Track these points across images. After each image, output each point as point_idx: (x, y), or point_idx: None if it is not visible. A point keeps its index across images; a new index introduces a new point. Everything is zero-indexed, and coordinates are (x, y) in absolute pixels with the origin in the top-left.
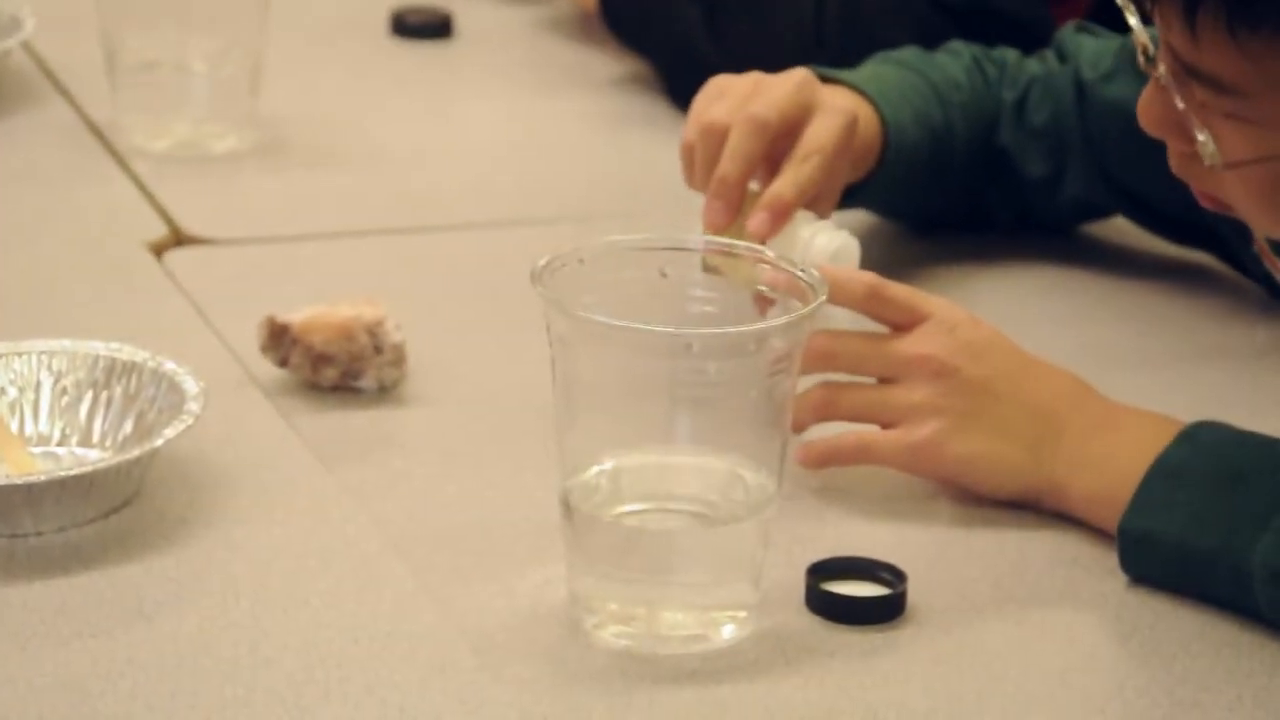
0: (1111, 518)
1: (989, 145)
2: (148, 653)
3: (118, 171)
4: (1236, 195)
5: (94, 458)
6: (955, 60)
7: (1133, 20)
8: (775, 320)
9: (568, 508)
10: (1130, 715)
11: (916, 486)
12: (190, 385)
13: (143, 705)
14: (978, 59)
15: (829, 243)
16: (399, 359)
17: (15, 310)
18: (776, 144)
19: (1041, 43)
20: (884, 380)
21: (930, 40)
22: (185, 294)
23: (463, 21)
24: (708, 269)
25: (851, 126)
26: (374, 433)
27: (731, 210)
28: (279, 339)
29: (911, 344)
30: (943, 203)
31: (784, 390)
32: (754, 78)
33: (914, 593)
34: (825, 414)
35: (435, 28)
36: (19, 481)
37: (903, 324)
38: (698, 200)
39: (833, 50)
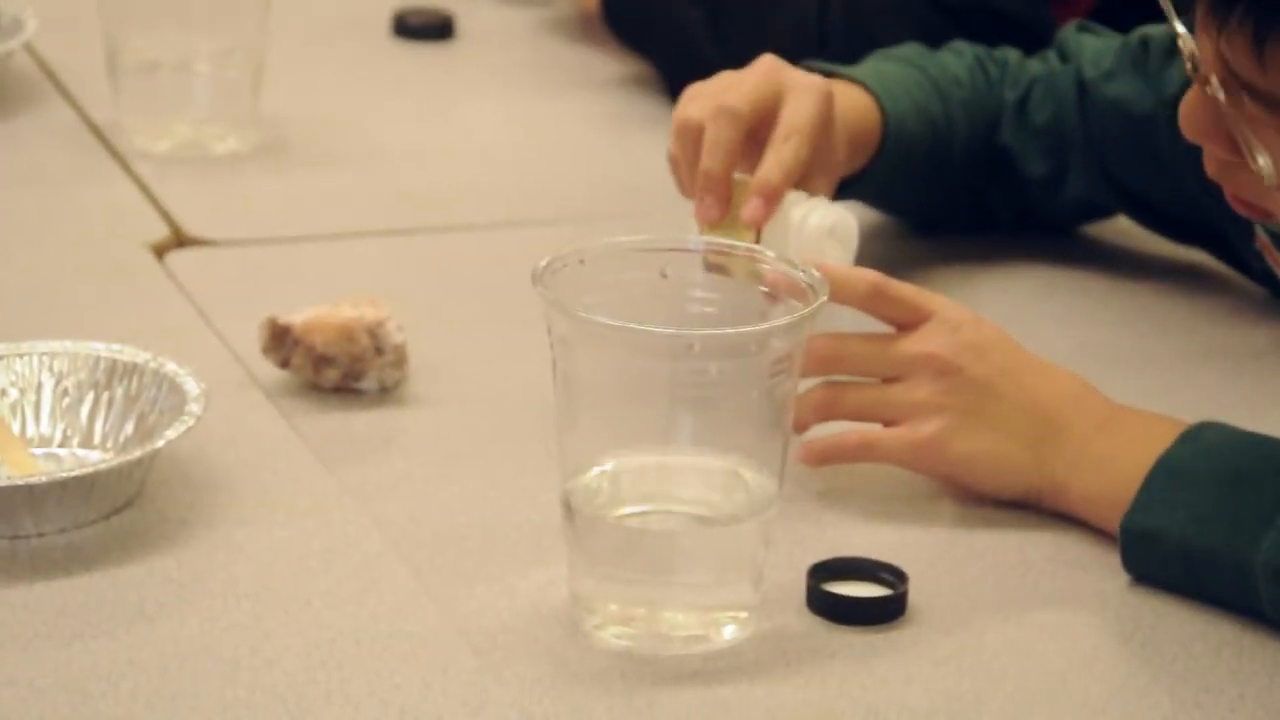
0: (1113, 518)
1: (990, 144)
2: (149, 654)
3: (119, 173)
4: None
5: (95, 459)
6: (957, 59)
7: (1179, 27)
8: (776, 321)
9: (569, 508)
10: (1131, 715)
11: (918, 487)
12: (191, 386)
13: (144, 706)
14: (980, 58)
15: (823, 219)
16: (400, 360)
17: (16, 311)
18: (755, 133)
19: (1043, 43)
20: (887, 380)
21: (932, 41)
22: (187, 295)
23: (464, 23)
24: (710, 266)
25: (826, 101)
26: (375, 434)
27: (721, 204)
28: (280, 340)
29: (914, 343)
30: (942, 200)
31: (785, 391)
32: (725, 76)
33: (915, 593)
34: (827, 413)
35: (436, 29)
36: (20, 483)
37: (906, 322)
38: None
39: (835, 51)
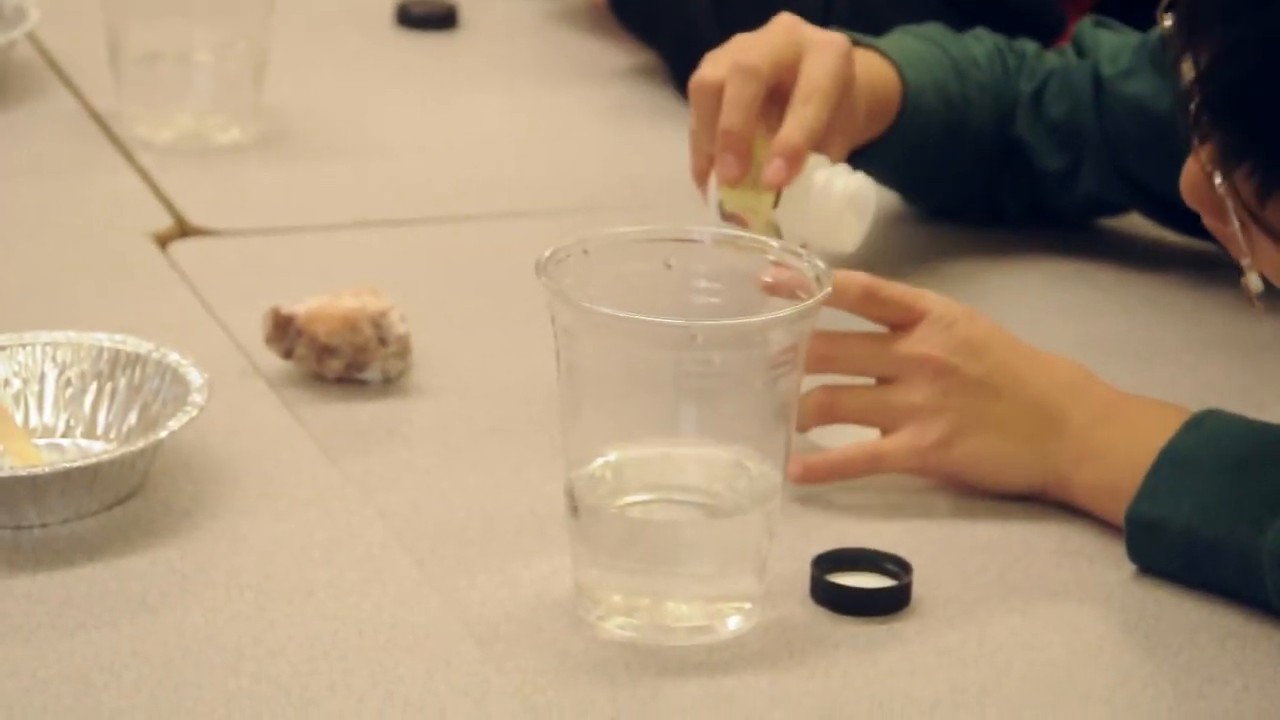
0: (1117, 508)
1: (1003, 133)
2: (152, 644)
3: (122, 163)
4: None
5: (98, 449)
6: (978, 43)
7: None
8: (780, 312)
9: (572, 499)
10: (1135, 706)
11: (921, 479)
12: (195, 377)
13: (147, 697)
14: (1000, 47)
15: (846, 185)
16: (404, 350)
17: (19, 302)
18: (775, 90)
19: (1051, 36)
20: (883, 380)
21: None
22: (190, 285)
23: (467, 12)
24: (726, 217)
25: (847, 59)
26: (378, 424)
27: (743, 162)
28: (283, 330)
29: (910, 344)
30: (953, 183)
31: (789, 382)
32: (742, 37)
33: (919, 584)
34: (827, 417)
35: (440, 19)
36: (24, 473)
37: (899, 323)
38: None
39: None
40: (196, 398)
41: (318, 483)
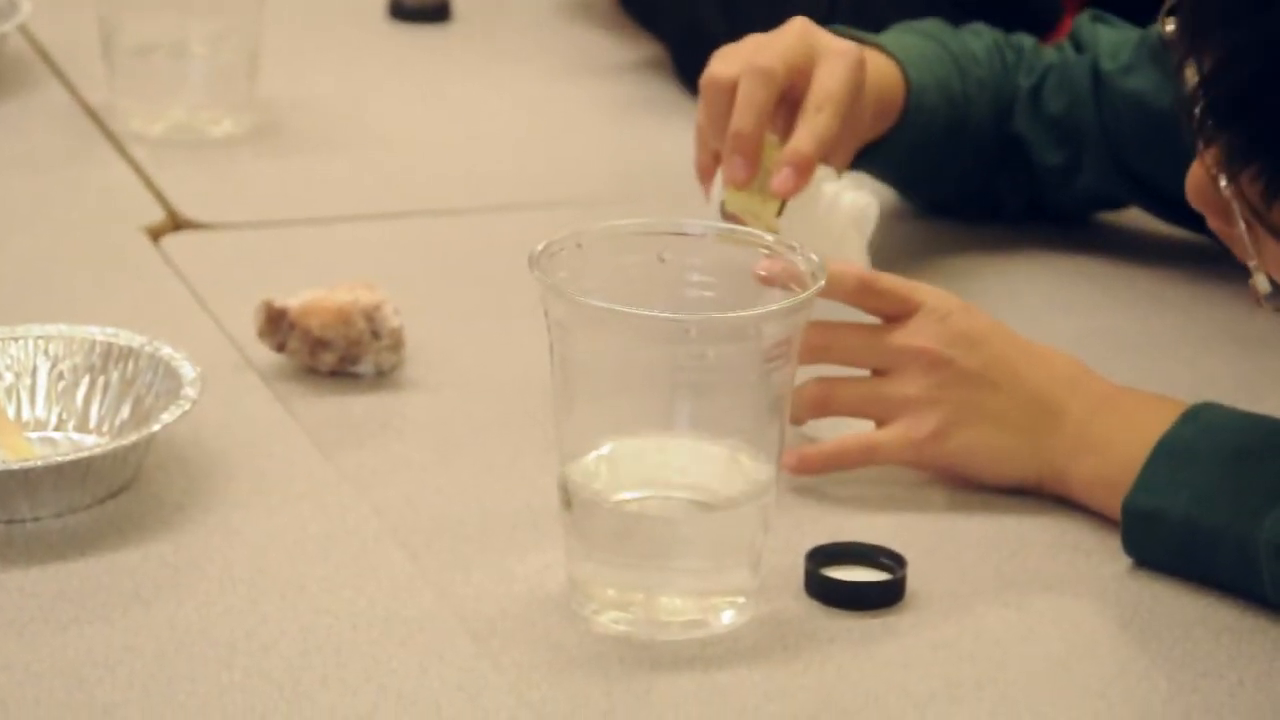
0: (1112, 501)
1: (1002, 128)
2: (145, 639)
3: (114, 156)
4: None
5: (91, 443)
6: (977, 39)
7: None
8: (773, 305)
9: (566, 493)
10: (1130, 700)
11: (915, 472)
12: (187, 370)
13: (140, 691)
14: (998, 41)
15: (855, 200)
16: (397, 344)
17: (11, 295)
18: (786, 94)
19: (1048, 30)
20: (878, 372)
21: None
22: (182, 278)
23: (461, 5)
24: (727, 217)
25: (860, 67)
26: (372, 418)
27: (750, 165)
28: (276, 324)
29: (905, 336)
30: (954, 180)
31: (783, 376)
32: (756, 37)
33: (913, 578)
34: (822, 409)
35: (433, 11)
36: (16, 467)
37: (895, 315)
38: (696, 185)
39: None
40: (189, 391)
41: (311, 477)
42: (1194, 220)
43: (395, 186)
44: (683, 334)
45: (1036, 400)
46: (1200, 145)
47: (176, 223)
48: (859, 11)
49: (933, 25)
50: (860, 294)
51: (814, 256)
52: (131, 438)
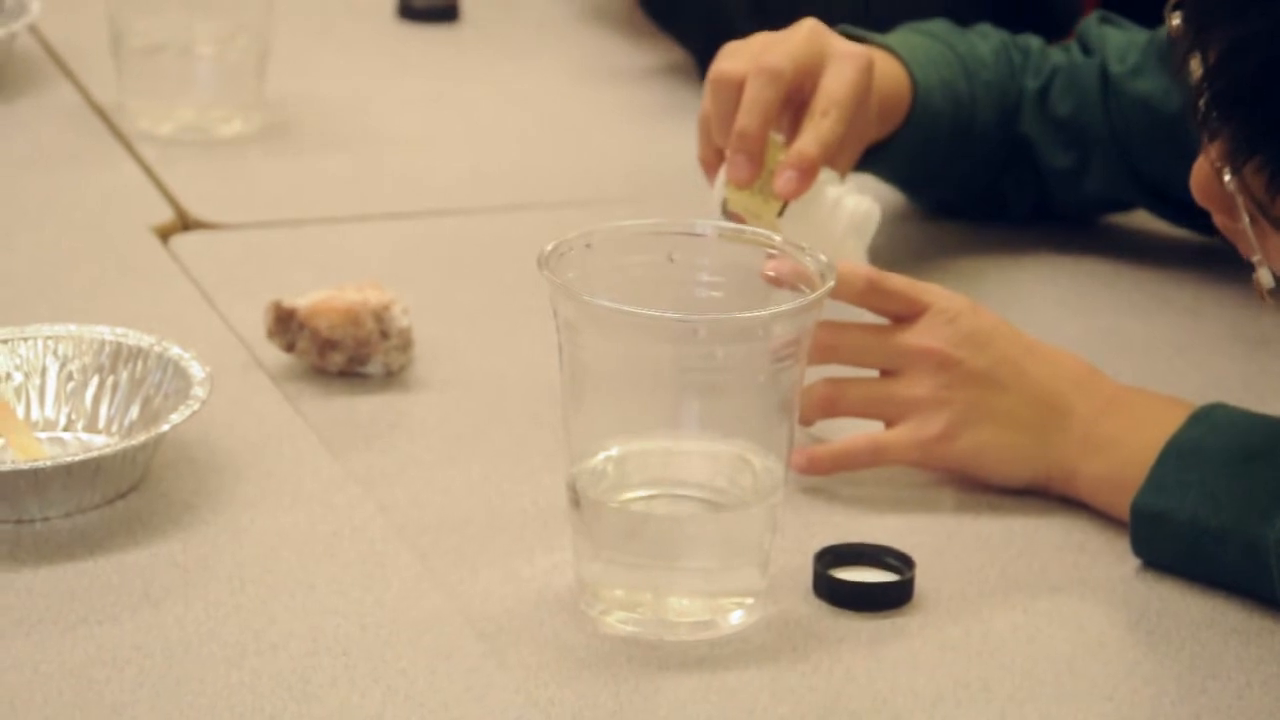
0: (1120, 501)
1: (1008, 130)
2: (154, 639)
3: (124, 155)
4: None
5: (100, 443)
6: (983, 40)
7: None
8: (782, 306)
9: (575, 493)
10: (1138, 701)
11: (924, 473)
12: (196, 370)
13: (148, 691)
14: (1005, 43)
15: (857, 205)
16: (406, 344)
17: (21, 295)
18: (793, 94)
19: (1068, 28)
20: (886, 372)
21: (973, 21)
22: (191, 278)
23: (469, 5)
24: (728, 215)
25: (868, 71)
26: (380, 418)
27: (754, 165)
28: (285, 324)
29: (913, 336)
30: (959, 182)
31: (792, 376)
32: (765, 36)
33: (922, 579)
34: (830, 410)
35: (442, 11)
36: (25, 467)
37: (903, 315)
38: (705, 185)
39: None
40: (198, 391)
41: (319, 477)
42: (1201, 222)
43: (404, 186)
44: (691, 334)
45: (1044, 400)
46: (1205, 139)
47: (185, 222)
48: (896, 9)
49: (939, 26)
50: (869, 294)
51: (822, 257)
52: (140, 438)
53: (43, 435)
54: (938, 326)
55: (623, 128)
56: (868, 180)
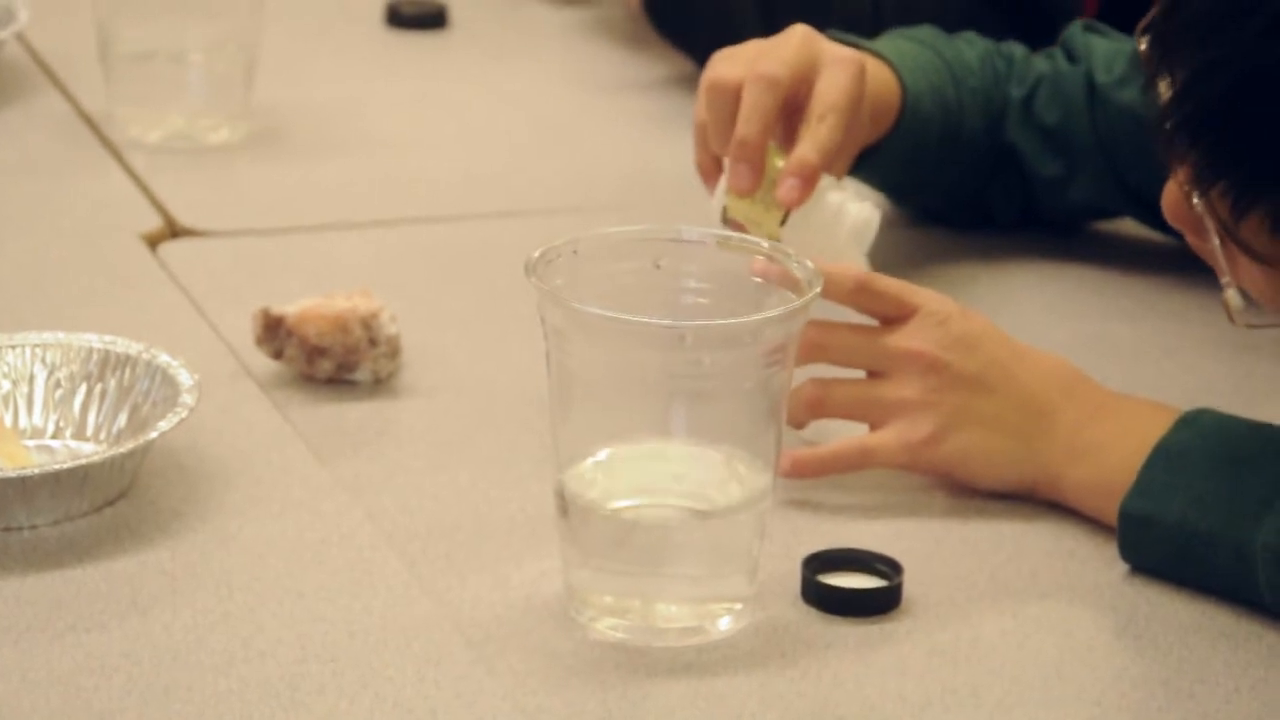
0: (1108, 506)
1: (994, 138)
2: (142, 646)
3: (112, 163)
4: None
5: (88, 451)
6: (970, 47)
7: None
8: (770, 312)
9: (563, 500)
10: (1126, 706)
11: (913, 478)
12: (185, 378)
13: (137, 699)
14: (990, 51)
15: (859, 212)
16: (394, 351)
17: (8, 302)
18: (788, 100)
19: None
20: (873, 374)
21: (985, 33)
22: (180, 286)
23: (458, 12)
24: (728, 223)
25: (861, 76)
26: (369, 425)
27: (757, 173)
28: (274, 331)
29: (902, 338)
30: (946, 189)
31: (779, 382)
32: (757, 42)
33: (910, 585)
34: (817, 411)
35: (430, 18)
36: (13, 475)
37: (892, 317)
38: (693, 192)
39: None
40: (186, 399)
41: (308, 484)
42: None
43: (392, 193)
44: (678, 340)
45: (1031, 405)
46: (1173, 162)
47: (174, 230)
48: (904, 20)
49: (927, 32)
50: (858, 295)
51: (809, 264)
52: (129, 445)
53: (30, 443)
54: (927, 329)
55: (612, 135)
56: (862, 186)
